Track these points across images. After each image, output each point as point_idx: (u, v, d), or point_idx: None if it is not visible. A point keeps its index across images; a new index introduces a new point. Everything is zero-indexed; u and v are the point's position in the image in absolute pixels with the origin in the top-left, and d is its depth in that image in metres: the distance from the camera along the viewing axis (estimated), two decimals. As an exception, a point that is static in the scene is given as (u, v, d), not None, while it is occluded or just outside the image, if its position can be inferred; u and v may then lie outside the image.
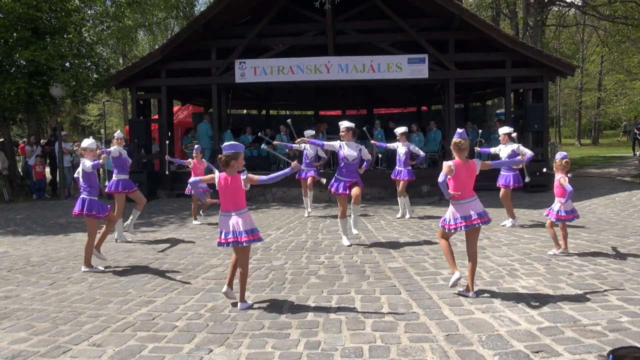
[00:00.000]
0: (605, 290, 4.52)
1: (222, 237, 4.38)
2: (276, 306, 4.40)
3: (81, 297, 4.85)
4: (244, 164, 4.51)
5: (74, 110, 41.37)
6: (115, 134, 7.83)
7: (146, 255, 6.65)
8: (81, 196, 5.91)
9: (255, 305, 4.43)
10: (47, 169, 15.12)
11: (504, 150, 7.74)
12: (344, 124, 6.75)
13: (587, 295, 4.39)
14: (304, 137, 9.07)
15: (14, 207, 12.22)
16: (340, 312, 4.20)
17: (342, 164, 6.73)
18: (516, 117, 13.46)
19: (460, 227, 4.50)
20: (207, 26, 12.02)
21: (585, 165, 18.40)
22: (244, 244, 4.31)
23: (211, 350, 3.53)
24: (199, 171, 8.68)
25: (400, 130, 8.98)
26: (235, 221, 4.34)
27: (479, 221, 4.49)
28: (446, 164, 4.60)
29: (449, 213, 4.61)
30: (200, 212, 9.14)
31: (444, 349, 3.43)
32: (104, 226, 6.28)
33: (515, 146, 7.62)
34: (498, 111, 19.04)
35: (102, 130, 40.78)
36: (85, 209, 5.80)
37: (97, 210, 5.87)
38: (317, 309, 4.28)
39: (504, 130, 7.88)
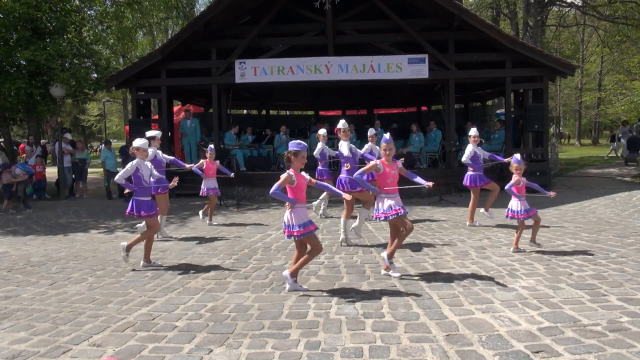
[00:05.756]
0: (605, 290, 4.52)
1: (310, 226, 4.66)
2: (276, 306, 4.40)
3: (81, 297, 4.85)
4: (304, 163, 4.79)
5: (74, 110, 41.40)
6: (155, 134, 7.79)
7: (146, 255, 6.64)
8: (132, 197, 6.00)
9: (256, 305, 4.44)
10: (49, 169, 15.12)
11: (480, 152, 7.91)
12: (339, 125, 6.88)
13: (587, 295, 4.39)
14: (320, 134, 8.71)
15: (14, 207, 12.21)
16: (340, 312, 4.20)
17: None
18: (516, 117, 13.47)
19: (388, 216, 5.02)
20: (207, 26, 12.01)
21: (585, 165, 18.41)
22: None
23: (211, 350, 3.53)
24: (211, 172, 8.58)
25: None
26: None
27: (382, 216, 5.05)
28: (374, 162, 5.15)
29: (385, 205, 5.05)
30: (200, 213, 9.09)
31: (444, 349, 3.43)
32: (144, 231, 6.25)
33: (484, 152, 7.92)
34: (498, 111, 19.04)
35: (103, 134, 40.82)
36: (134, 211, 5.91)
37: (146, 210, 5.93)
38: (317, 309, 4.28)
39: (474, 131, 7.94)
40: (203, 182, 8.72)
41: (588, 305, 4.16)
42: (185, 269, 5.84)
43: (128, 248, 5.99)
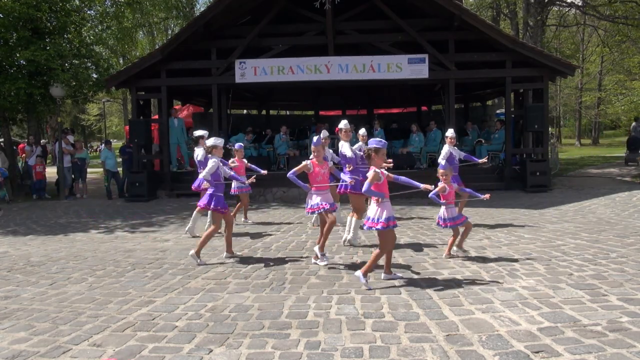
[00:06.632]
0: (605, 290, 4.52)
1: (393, 220, 4.84)
2: (276, 306, 4.40)
3: (81, 297, 4.86)
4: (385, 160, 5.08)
5: (74, 110, 41.41)
6: (204, 134, 7.96)
7: (146, 255, 6.65)
8: (208, 192, 6.19)
9: (256, 305, 4.44)
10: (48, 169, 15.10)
11: (455, 152, 7.87)
12: (340, 125, 6.89)
13: (587, 295, 4.39)
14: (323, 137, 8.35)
15: (14, 207, 12.22)
16: (340, 312, 4.20)
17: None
18: (516, 117, 13.47)
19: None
20: (207, 26, 12.01)
21: (585, 165, 18.41)
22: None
23: (211, 350, 3.53)
24: (242, 170, 8.38)
25: (363, 131, 8.03)
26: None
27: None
28: (305, 163, 5.53)
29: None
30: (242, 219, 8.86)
31: (444, 349, 3.43)
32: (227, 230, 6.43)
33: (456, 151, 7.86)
34: (498, 111, 19.05)
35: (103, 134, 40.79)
36: (212, 205, 6.11)
37: (222, 206, 6.17)
38: (317, 309, 4.28)
39: (451, 132, 7.89)
40: (233, 181, 8.57)
41: (588, 305, 4.16)
42: (185, 269, 5.84)
43: (229, 249, 6.27)
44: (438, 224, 5.89)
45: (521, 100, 13.44)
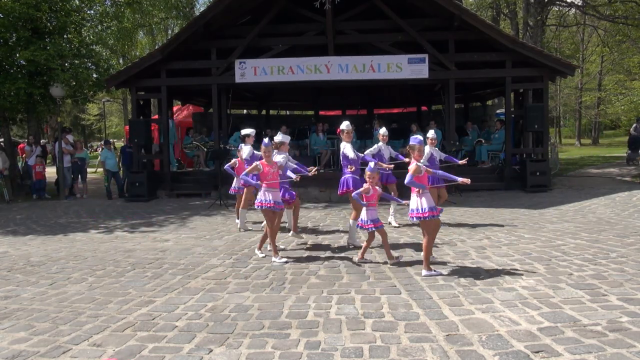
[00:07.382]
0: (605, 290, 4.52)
1: (436, 209, 5.18)
2: (276, 306, 4.40)
3: (81, 297, 4.86)
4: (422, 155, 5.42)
5: (74, 110, 41.40)
6: (250, 132, 8.27)
7: (146, 255, 6.65)
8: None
9: (256, 305, 4.44)
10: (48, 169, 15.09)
11: (436, 153, 7.97)
12: (342, 127, 6.95)
13: (587, 295, 4.39)
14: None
15: (14, 207, 12.23)
16: (340, 312, 4.20)
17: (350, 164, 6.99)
18: (516, 117, 13.47)
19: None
20: (207, 26, 12.01)
21: (585, 165, 18.40)
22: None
23: (211, 350, 3.53)
24: (242, 169, 8.40)
25: (384, 130, 8.34)
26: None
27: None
28: (255, 164, 6.07)
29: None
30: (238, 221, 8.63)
31: (444, 349, 3.43)
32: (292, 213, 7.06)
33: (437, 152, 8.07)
34: (498, 111, 19.04)
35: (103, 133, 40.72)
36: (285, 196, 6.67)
37: (289, 195, 6.82)
38: (317, 309, 4.28)
39: (431, 134, 7.93)
40: (235, 180, 8.56)
41: (588, 305, 4.16)
42: (185, 269, 5.84)
43: (295, 229, 7.05)
44: (358, 225, 5.97)
45: (521, 100, 13.44)
